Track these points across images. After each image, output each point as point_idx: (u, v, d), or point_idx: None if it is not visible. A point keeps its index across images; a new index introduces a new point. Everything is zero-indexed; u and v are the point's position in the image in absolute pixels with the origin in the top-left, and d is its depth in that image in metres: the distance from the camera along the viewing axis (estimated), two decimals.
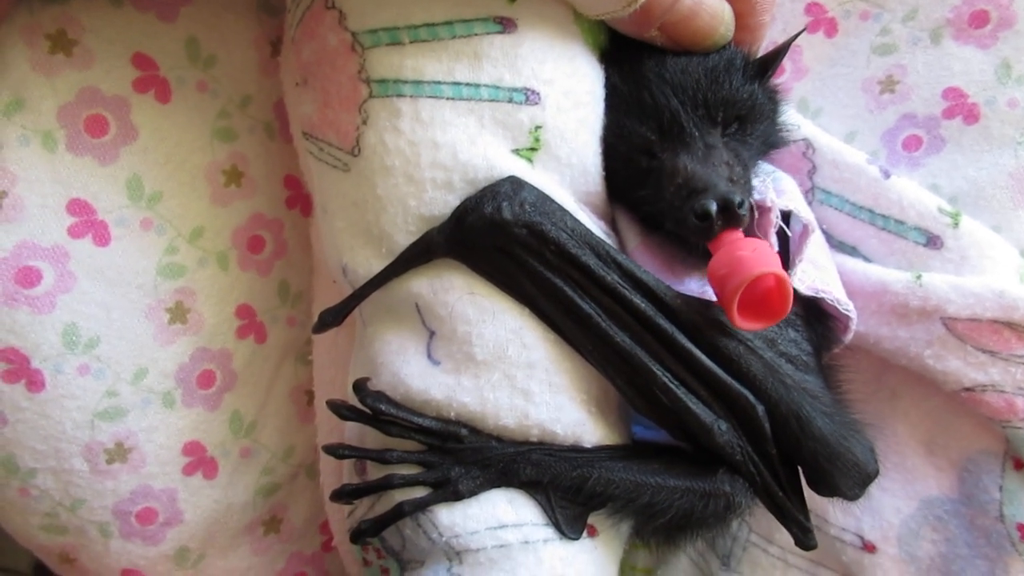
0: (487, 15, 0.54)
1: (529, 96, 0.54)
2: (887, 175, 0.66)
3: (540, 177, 0.54)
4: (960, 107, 0.68)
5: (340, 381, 0.63)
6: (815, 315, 0.61)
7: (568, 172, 0.55)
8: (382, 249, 0.55)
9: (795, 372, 0.57)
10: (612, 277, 0.53)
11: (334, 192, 0.58)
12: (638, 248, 0.60)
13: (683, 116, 0.54)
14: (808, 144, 0.68)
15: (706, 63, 0.56)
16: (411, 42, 0.53)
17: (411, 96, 0.53)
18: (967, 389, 0.61)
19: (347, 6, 0.55)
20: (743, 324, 0.49)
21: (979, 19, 0.69)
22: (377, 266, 0.55)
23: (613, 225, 0.61)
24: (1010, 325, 0.60)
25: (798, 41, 0.72)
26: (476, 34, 0.54)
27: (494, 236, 0.52)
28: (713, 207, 0.50)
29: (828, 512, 0.69)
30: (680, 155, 0.53)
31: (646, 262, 0.58)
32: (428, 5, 0.54)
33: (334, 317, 0.58)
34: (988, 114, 0.67)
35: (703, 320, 0.54)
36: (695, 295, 0.55)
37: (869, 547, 0.67)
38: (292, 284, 0.70)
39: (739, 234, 0.51)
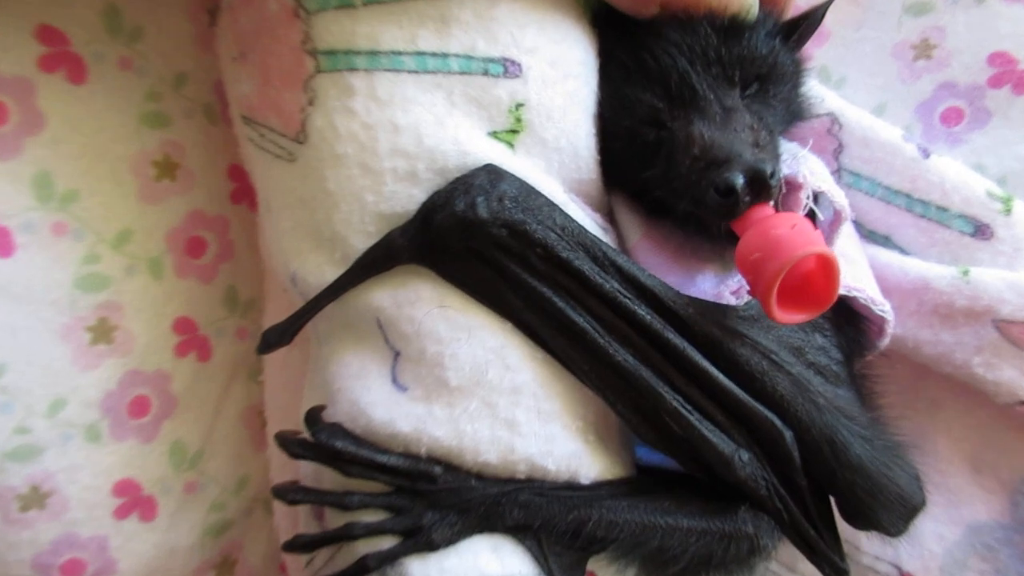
0: None
1: (508, 67, 0.47)
2: (926, 154, 0.58)
3: (523, 164, 0.47)
4: (1008, 75, 0.61)
5: (294, 407, 0.54)
6: (845, 317, 0.54)
7: (556, 157, 0.48)
8: (335, 254, 0.48)
9: (825, 385, 0.50)
10: (611, 284, 0.45)
11: (278, 186, 0.50)
12: (641, 243, 0.53)
13: (694, 77, 0.48)
14: (834, 119, 0.60)
15: (717, 17, 0.49)
16: (364, 5, 0.46)
17: (365, 70, 0.46)
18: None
19: None
20: (782, 317, 0.42)
21: None
22: (331, 274, 0.48)
23: (611, 217, 0.54)
24: None
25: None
26: None
27: (468, 238, 0.45)
28: (739, 180, 0.43)
29: (860, 539, 0.61)
30: (694, 122, 0.47)
31: (651, 260, 0.52)
32: None
33: (280, 336, 0.50)
34: None
35: (720, 330, 0.47)
36: (710, 298, 0.49)
37: None
38: (241, 291, 0.62)
39: (769, 209, 0.44)
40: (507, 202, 0.44)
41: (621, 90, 0.50)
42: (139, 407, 0.57)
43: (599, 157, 0.51)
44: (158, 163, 0.57)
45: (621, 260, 0.46)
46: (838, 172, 0.60)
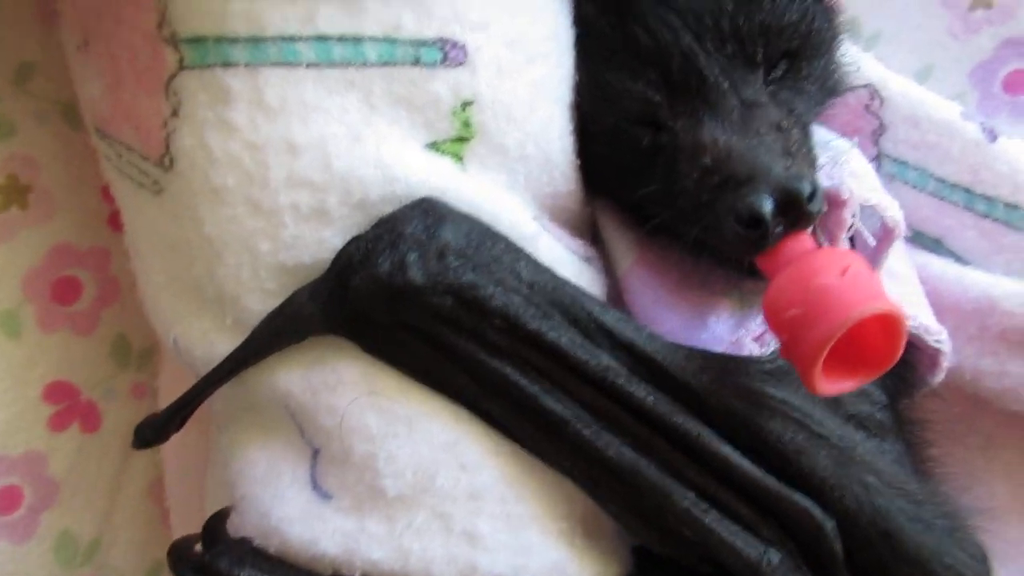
0: None
1: (448, 52, 0.36)
2: (992, 136, 0.48)
3: (476, 185, 0.38)
4: None
5: (197, 500, 0.43)
6: None
7: (522, 168, 0.39)
8: (226, 319, 0.37)
9: (868, 443, 0.41)
10: (598, 360, 0.35)
11: (145, 225, 0.39)
12: (634, 270, 0.44)
13: (702, 58, 0.39)
14: (873, 92, 0.50)
15: None
16: None
17: (247, 65, 0.35)
18: None
19: None
20: (827, 388, 0.34)
21: None
22: (222, 345, 0.38)
23: (595, 235, 0.45)
24: None
25: None
26: None
27: (399, 310, 0.34)
28: (768, 205, 0.34)
29: None
30: (704, 121, 0.38)
31: (648, 294, 0.43)
32: None
33: (159, 429, 0.40)
34: None
35: (743, 402, 0.37)
36: (727, 347, 0.40)
37: None
38: (133, 339, 0.51)
39: (808, 240, 0.36)
40: (451, 258, 0.33)
41: (603, 76, 0.40)
42: (7, 500, 0.47)
43: (579, 161, 0.42)
44: (1, 187, 0.45)
45: (611, 320, 0.35)
46: (878, 159, 0.50)
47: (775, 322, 0.35)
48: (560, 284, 0.35)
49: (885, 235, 0.41)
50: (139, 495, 0.52)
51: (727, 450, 0.36)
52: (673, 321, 0.41)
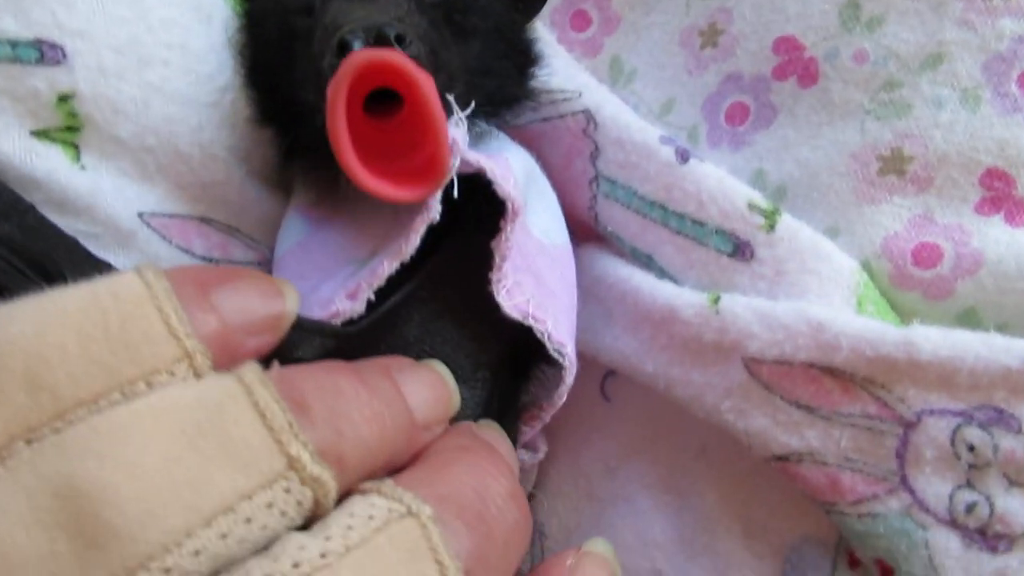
0: None
1: (45, 52, 0.40)
2: (684, 158, 0.49)
3: (83, 176, 0.41)
4: (794, 63, 0.51)
5: None
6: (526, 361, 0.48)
7: (150, 158, 0.43)
8: None
9: None
10: None
11: None
12: (292, 251, 0.46)
13: None
14: (589, 117, 0.52)
15: None
16: None
17: None
18: (779, 458, 0.44)
19: None
20: (377, 186, 0.37)
21: None
22: None
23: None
24: (831, 371, 0.42)
25: None
26: None
27: None
28: (357, 38, 0.37)
29: None
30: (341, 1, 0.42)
31: (292, 269, 0.45)
32: None
33: None
34: (828, 72, 0.49)
35: None
36: (322, 303, 0.41)
37: None
38: None
39: None
40: None
41: None
42: None
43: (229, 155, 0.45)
44: None
45: None
46: (595, 179, 0.52)
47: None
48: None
49: (508, 213, 0.41)
50: None
51: None
52: (300, 286, 0.41)
